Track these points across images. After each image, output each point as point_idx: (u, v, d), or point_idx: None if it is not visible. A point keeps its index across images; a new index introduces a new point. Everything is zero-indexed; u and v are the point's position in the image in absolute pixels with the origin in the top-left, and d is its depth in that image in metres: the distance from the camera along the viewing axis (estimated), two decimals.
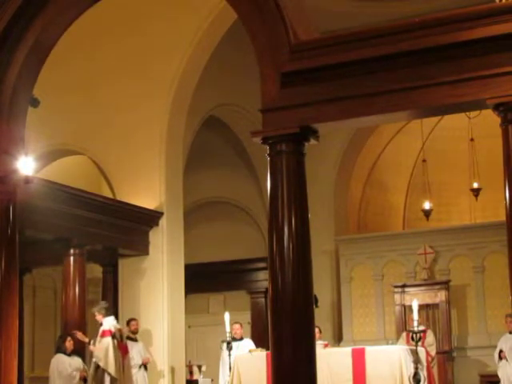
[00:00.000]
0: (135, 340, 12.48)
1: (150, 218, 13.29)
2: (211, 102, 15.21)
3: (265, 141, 7.23)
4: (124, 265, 13.55)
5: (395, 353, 10.29)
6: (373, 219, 18.11)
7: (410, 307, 11.11)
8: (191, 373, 13.99)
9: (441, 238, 15.75)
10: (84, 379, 11.72)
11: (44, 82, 9.15)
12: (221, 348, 11.64)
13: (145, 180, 13.45)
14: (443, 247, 15.66)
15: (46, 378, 11.88)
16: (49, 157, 14.33)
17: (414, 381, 9.60)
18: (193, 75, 13.54)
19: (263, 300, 17.07)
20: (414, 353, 9.92)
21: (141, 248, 13.29)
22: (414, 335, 9.73)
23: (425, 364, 10.51)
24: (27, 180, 8.71)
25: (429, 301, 15.10)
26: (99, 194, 13.37)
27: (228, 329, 11.12)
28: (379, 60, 6.84)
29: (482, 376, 14.56)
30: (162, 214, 13.29)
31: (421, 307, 12.19)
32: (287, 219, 7.01)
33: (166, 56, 13.24)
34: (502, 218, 6.72)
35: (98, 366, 11.41)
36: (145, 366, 12.45)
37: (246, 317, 16.93)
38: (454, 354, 14.98)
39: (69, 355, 11.69)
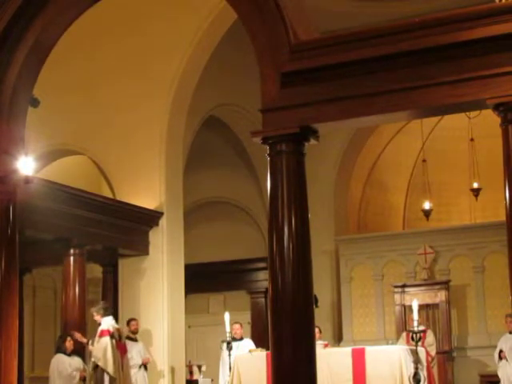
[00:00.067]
0: (135, 340, 12.48)
1: (150, 218, 13.29)
2: (211, 102, 15.21)
3: (265, 141, 7.23)
4: (124, 265, 13.55)
5: (395, 353, 10.29)
6: (373, 219, 18.11)
7: (410, 307, 11.11)
8: (191, 373, 13.98)
9: (441, 238, 15.75)
10: (84, 379, 11.73)
11: (44, 82, 9.15)
12: (221, 348, 11.64)
13: (145, 180, 13.45)
14: (443, 247, 15.66)
15: (46, 378, 11.89)
16: (49, 157, 14.33)
17: (413, 381, 9.60)
18: (193, 75, 13.54)
19: (263, 300, 17.07)
20: (414, 353, 9.92)
21: (141, 248, 13.29)
22: (414, 335, 9.72)
23: (425, 364, 10.51)
24: (27, 180, 8.71)
25: (429, 301, 15.10)
26: (99, 194, 13.37)
27: (228, 329, 11.12)
28: (379, 60, 6.84)
29: (481, 376, 14.56)
30: (162, 213, 13.29)
31: (421, 307, 12.19)
32: (287, 219, 7.00)
33: (166, 56, 13.23)
34: (502, 217, 6.72)
35: (96, 366, 11.41)
36: (145, 366, 12.45)
37: (246, 317, 16.93)
38: (454, 354, 14.98)
39: (69, 355, 11.72)
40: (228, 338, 11.05)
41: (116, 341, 11.52)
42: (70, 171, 15.01)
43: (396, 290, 15.39)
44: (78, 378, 11.72)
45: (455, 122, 16.54)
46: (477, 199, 16.43)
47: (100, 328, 11.58)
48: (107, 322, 11.62)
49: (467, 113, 15.24)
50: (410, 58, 6.74)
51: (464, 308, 15.41)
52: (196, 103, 13.93)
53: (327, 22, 12.02)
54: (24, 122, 8.84)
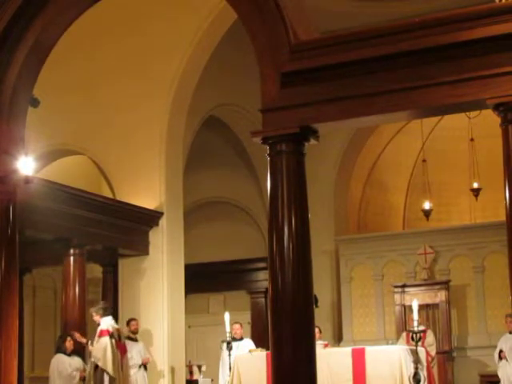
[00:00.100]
0: (135, 340, 12.48)
1: (150, 218, 13.29)
2: (211, 102, 15.21)
3: (265, 141, 7.23)
4: (124, 265, 13.55)
5: (395, 353, 10.29)
6: (373, 219, 18.11)
7: (410, 307, 11.11)
8: (191, 373, 13.98)
9: (441, 237, 15.75)
10: (84, 379, 11.74)
11: (44, 82, 9.15)
12: (221, 348, 11.64)
13: (145, 180, 13.45)
14: (443, 247, 15.66)
15: (46, 378, 11.89)
16: (49, 157, 14.33)
17: (414, 381, 9.60)
18: (193, 75, 13.54)
19: (263, 300, 17.06)
20: (414, 353, 9.92)
21: (141, 248, 13.29)
22: (414, 335, 9.72)
23: (425, 364, 10.51)
24: (27, 180, 8.71)
25: (429, 301, 15.10)
26: (99, 194, 13.37)
27: (228, 329, 11.12)
28: (379, 60, 6.84)
29: (481, 376, 14.56)
30: (162, 213, 13.29)
31: (421, 307, 12.18)
32: (287, 219, 7.00)
33: (166, 56, 13.24)
34: (502, 218, 6.72)
35: (96, 366, 11.42)
36: (145, 366, 12.45)
37: (246, 317, 16.93)
38: (454, 354, 14.98)
39: (69, 355, 11.72)
40: (228, 338, 11.04)
41: (116, 341, 11.53)
42: (70, 171, 15.02)
43: (396, 289, 15.39)
44: (77, 378, 11.73)
45: (455, 121, 16.54)
46: (477, 199, 16.43)
47: (99, 328, 11.59)
48: (106, 322, 11.62)
49: (467, 113, 15.24)
50: (409, 57, 6.74)
51: (464, 308, 15.41)
52: (196, 103, 13.93)
53: (327, 22, 12.02)
54: (24, 122, 8.84)
